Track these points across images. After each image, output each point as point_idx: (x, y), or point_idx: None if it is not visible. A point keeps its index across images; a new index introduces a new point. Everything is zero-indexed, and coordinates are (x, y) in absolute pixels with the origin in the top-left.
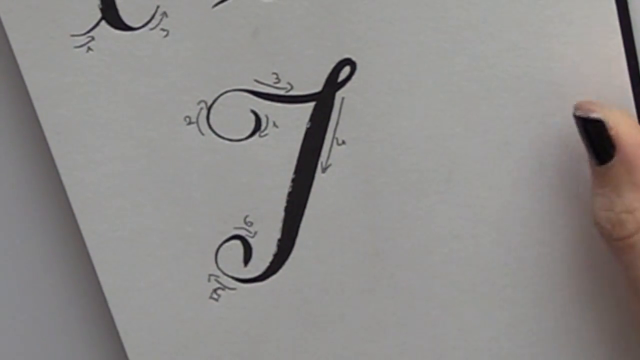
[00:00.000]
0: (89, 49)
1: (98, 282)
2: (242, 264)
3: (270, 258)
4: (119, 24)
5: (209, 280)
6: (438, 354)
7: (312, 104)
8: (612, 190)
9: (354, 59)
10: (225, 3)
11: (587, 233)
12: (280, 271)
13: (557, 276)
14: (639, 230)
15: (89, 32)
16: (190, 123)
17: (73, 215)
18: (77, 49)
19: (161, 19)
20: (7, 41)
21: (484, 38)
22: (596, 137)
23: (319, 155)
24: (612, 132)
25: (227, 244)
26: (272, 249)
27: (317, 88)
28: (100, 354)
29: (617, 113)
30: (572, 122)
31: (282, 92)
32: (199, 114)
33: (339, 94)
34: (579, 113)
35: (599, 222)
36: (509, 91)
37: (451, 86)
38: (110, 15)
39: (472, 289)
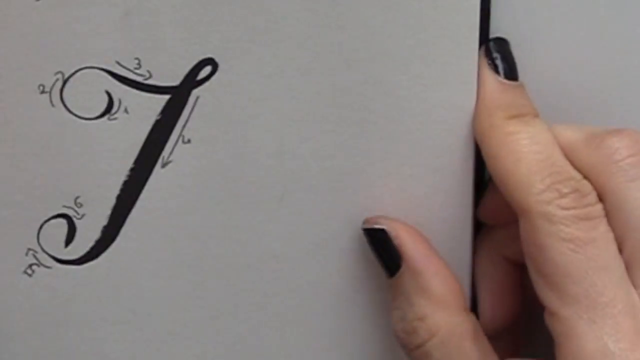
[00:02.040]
0: None
1: None
2: (63, 244)
3: (91, 243)
4: None
5: (26, 254)
6: None
7: (166, 97)
8: (404, 300)
9: (217, 60)
10: None
11: None
12: (99, 259)
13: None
14: (431, 337)
15: None
16: (43, 92)
17: None
18: None
19: None
20: None
21: (344, 66)
22: (382, 247)
23: (162, 149)
24: (396, 242)
25: (52, 221)
26: (96, 234)
27: (175, 82)
28: None
29: (401, 224)
30: (416, 150)
31: (140, 79)
32: (53, 85)
33: (194, 92)
34: (365, 226)
35: (397, 335)
36: (358, 123)
37: (305, 107)
38: None
39: (283, 313)
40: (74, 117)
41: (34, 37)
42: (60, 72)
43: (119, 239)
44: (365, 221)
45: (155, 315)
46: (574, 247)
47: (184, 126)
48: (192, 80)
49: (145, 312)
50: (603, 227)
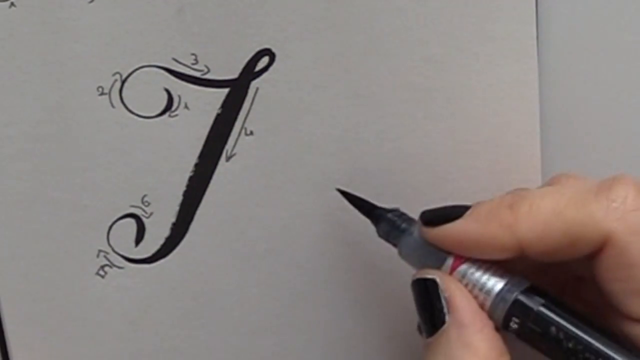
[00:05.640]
0: (12, 4)
1: None
2: (133, 244)
3: (161, 241)
4: None
5: (97, 255)
6: (316, 356)
7: (226, 90)
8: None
9: (274, 50)
10: None
11: None
12: (170, 256)
13: None
14: None
15: None
16: (102, 94)
17: None
18: (0, 3)
19: None
20: None
21: (402, 48)
22: (430, 298)
23: (225, 143)
24: (446, 294)
25: (121, 221)
26: (165, 232)
27: (234, 75)
28: None
29: (450, 278)
30: (480, 128)
31: (198, 74)
32: (112, 86)
33: (254, 84)
34: (415, 276)
35: None
36: (420, 103)
37: (366, 91)
38: None
39: (361, 296)
40: (135, 117)
41: (89, 39)
42: (118, 72)
43: (188, 234)
44: (415, 274)
45: (229, 309)
46: None
47: (245, 118)
48: (250, 72)
49: (219, 307)
50: None
